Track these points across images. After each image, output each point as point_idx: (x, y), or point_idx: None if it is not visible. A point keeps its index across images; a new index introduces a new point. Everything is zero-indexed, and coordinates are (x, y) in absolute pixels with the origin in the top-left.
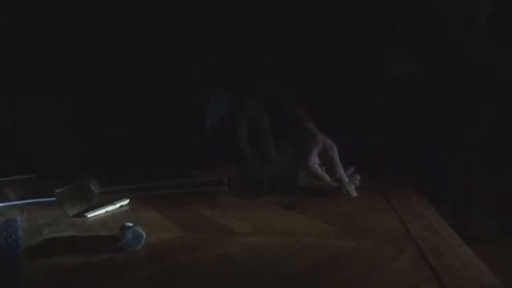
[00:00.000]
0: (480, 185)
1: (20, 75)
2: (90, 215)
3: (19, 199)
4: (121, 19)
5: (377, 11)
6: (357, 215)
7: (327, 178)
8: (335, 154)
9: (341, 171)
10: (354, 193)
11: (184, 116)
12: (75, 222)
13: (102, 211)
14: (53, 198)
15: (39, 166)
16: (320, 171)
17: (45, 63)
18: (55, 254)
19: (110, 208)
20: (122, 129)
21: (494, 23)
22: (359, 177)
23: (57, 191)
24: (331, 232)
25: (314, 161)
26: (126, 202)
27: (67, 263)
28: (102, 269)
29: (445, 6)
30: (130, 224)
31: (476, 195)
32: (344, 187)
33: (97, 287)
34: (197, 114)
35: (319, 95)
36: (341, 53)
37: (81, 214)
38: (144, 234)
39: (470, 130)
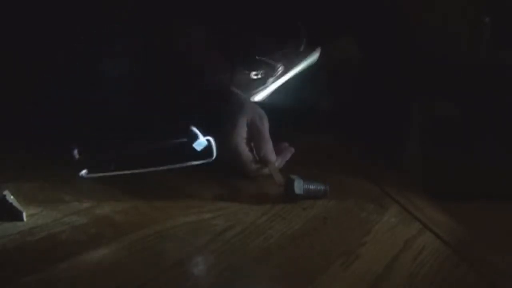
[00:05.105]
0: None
1: None
2: None
3: None
4: None
5: None
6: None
7: (248, 157)
8: (264, 125)
9: (267, 146)
10: (279, 180)
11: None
12: None
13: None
14: None
15: None
16: (243, 146)
17: None
18: None
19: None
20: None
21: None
22: (293, 150)
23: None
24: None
25: (238, 134)
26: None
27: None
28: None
29: None
30: None
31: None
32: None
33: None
34: None
35: None
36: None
37: None
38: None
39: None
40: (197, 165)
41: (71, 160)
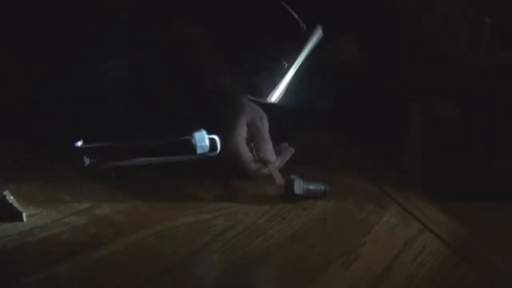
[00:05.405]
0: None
1: None
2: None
3: None
4: None
5: None
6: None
7: (249, 157)
8: (264, 126)
9: (267, 146)
10: (279, 180)
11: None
12: None
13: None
14: None
15: None
16: (243, 146)
17: None
18: None
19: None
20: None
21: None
22: (293, 150)
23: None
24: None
25: (239, 134)
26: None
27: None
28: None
29: None
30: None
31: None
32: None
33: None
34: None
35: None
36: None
37: None
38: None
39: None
40: (201, 158)
41: (75, 152)
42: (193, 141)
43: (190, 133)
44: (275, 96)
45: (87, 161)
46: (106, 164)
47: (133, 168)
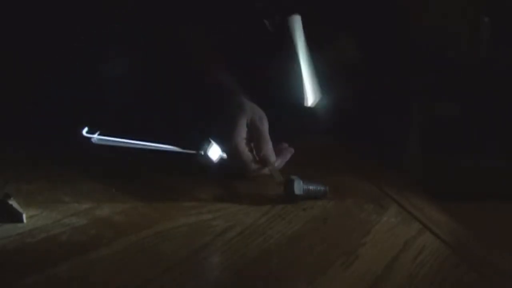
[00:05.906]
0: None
1: None
2: None
3: None
4: None
5: None
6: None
7: (248, 157)
8: (263, 125)
9: (267, 146)
10: (279, 180)
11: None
12: None
13: None
14: None
15: None
16: (243, 146)
17: None
18: None
19: None
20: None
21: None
22: (292, 150)
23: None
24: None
25: (239, 134)
26: None
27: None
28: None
29: None
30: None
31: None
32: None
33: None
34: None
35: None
36: None
37: None
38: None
39: None
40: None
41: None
42: (202, 151)
43: (202, 143)
44: (310, 97)
45: (94, 137)
46: (112, 142)
47: (133, 168)
